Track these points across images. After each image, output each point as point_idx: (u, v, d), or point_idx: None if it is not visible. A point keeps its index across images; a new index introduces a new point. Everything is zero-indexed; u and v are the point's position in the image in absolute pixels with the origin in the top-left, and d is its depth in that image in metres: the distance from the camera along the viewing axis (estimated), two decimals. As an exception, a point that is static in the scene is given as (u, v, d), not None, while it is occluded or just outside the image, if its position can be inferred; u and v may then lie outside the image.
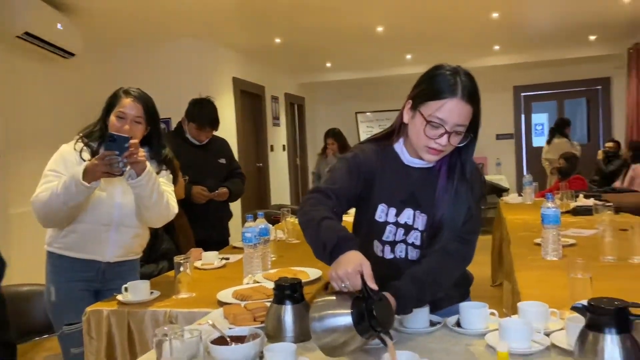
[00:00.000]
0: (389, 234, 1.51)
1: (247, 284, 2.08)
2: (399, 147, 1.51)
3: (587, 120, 8.85)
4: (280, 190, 7.89)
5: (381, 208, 1.50)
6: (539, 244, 2.45)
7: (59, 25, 4.28)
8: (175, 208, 2.19)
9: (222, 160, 3.48)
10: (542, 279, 2.05)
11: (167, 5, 4.51)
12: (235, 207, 4.51)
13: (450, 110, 1.36)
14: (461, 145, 1.41)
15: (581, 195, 4.30)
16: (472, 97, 1.37)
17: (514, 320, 1.36)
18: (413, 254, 1.52)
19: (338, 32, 5.89)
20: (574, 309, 1.14)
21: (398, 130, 1.50)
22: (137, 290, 1.96)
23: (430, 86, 1.39)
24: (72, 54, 4.63)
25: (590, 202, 3.91)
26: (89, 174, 1.91)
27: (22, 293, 2.52)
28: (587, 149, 7.70)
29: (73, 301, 2.10)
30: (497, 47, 7.36)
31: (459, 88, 1.36)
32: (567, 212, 3.62)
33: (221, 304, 1.80)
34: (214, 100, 3.39)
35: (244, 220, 2.28)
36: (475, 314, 1.42)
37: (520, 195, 4.83)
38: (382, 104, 8.72)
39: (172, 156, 2.28)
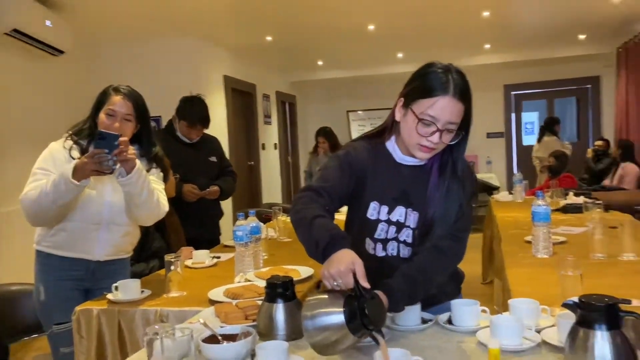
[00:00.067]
0: (380, 231, 1.51)
1: (239, 282, 2.07)
2: (391, 145, 1.51)
3: (576, 118, 8.92)
4: (271, 189, 7.88)
5: (373, 206, 1.50)
6: (529, 242, 2.46)
7: (47, 22, 4.24)
8: (165, 206, 2.18)
9: (213, 159, 3.47)
10: (532, 276, 2.06)
11: (157, 2, 4.48)
12: (227, 205, 4.50)
13: (442, 107, 1.36)
14: (453, 143, 1.41)
15: (571, 193, 4.33)
16: (464, 94, 1.38)
17: (505, 317, 1.36)
18: (405, 252, 1.52)
19: (329, 31, 5.89)
20: (565, 305, 1.15)
21: (390, 128, 1.51)
22: (127, 289, 1.94)
23: (422, 84, 1.39)
24: (62, 52, 4.60)
25: (580, 200, 3.94)
26: (79, 172, 1.89)
27: (11, 292, 2.50)
28: (577, 147, 7.76)
29: (62, 300, 2.08)
30: (487, 46, 7.39)
31: (450, 86, 1.36)
32: (558, 210, 3.65)
33: (212, 302, 1.79)
34: (204, 98, 3.38)
35: (235, 219, 2.27)
36: (466, 311, 1.42)
37: (510, 193, 4.86)
38: (374, 102, 8.73)
39: (162, 154, 2.27)
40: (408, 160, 1.49)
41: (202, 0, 4.50)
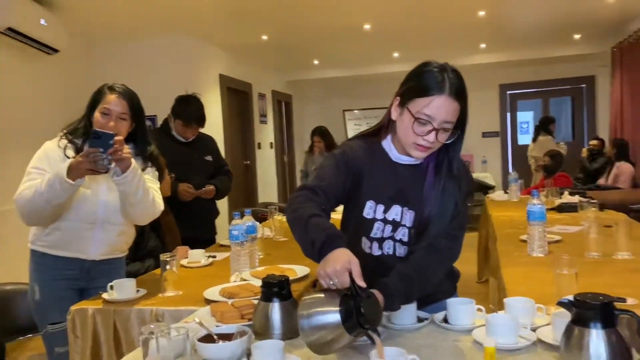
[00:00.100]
0: (377, 230, 1.51)
1: (235, 281, 2.06)
2: (387, 144, 1.52)
3: (571, 118, 8.95)
4: (267, 188, 7.87)
5: (369, 205, 1.50)
6: (524, 241, 2.47)
7: (42, 21, 4.22)
8: (161, 205, 2.17)
9: (209, 158, 3.46)
10: (528, 275, 2.06)
11: (152, 1, 4.46)
12: (222, 205, 4.50)
13: (438, 107, 1.36)
14: (449, 142, 1.42)
15: (566, 193, 4.34)
16: (460, 93, 1.38)
17: (501, 315, 1.37)
18: (401, 251, 1.52)
19: (325, 30, 5.88)
20: (560, 304, 1.15)
21: (386, 127, 1.51)
22: (123, 288, 1.94)
23: (418, 83, 1.39)
24: (57, 50, 4.57)
25: (575, 199, 3.95)
26: (73, 172, 1.88)
27: (6, 292, 2.48)
28: (572, 146, 7.78)
29: (57, 300, 2.08)
30: (483, 46, 7.41)
31: (446, 85, 1.36)
32: (553, 209, 3.66)
33: (208, 301, 1.79)
34: (200, 97, 3.37)
35: (230, 218, 2.27)
36: (462, 310, 1.42)
37: (506, 192, 4.87)
38: (370, 101, 8.74)
39: (157, 153, 2.26)
40: (404, 159, 1.50)
41: (197, -1, 4.50)
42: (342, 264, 1.17)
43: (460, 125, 1.41)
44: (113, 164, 1.92)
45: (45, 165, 2.02)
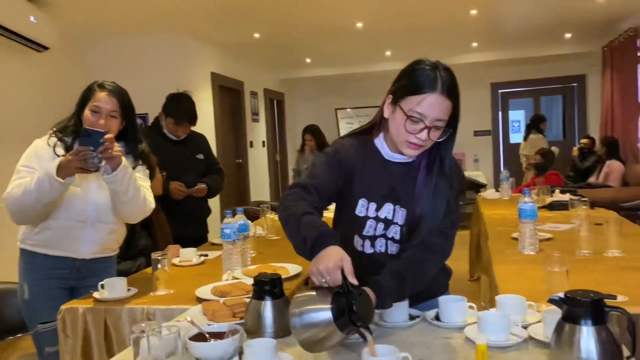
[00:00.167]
0: (369, 228, 1.51)
1: (226, 280, 2.06)
2: (379, 142, 1.51)
3: (562, 117, 9.00)
4: (259, 187, 7.86)
5: (361, 203, 1.50)
6: (516, 239, 2.48)
7: (32, 18, 4.18)
8: (152, 203, 2.16)
9: (200, 156, 3.45)
10: (519, 272, 2.07)
11: (144, -2, 4.44)
12: (214, 203, 4.48)
13: (430, 105, 1.36)
14: (441, 140, 1.42)
15: (557, 191, 4.37)
16: (452, 92, 1.38)
17: (492, 313, 1.37)
18: (393, 249, 1.52)
19: (318, 28, 5.88)
20: (551, 301, 1.16)
21: (378, 125, 1.51)
22: (113, 287, 1.93)
23: (410, 81, 1.39)
24: (46, 48, 4.54)
25: (566, 197, 3.97)
26: (63, 170, 1.87)
27: (-5, 291, 2.46)
28: (563, 145, 7.83)
29: (47, 299, 2.06)
30: (475, 44, 7.43)
31: (438, 83, 1.36)
32: (544, 207, 3.68)
33: (200, 300, 1.78)
34: (191, 95, 3.36)
35: (222, 217, 2.26)
36: (454, 307, 1.43)
37: (497, 190, 4.89)
38: (362, 100, 8.73)
39: (148, 151, 2.25)
40: (396, 157, 1.50)
41: (189, -3, 4.47)
42: (334, 261, 1.17)
43: (452, 123, 1.41)
44: (103, 162, 1.91)
45: (34, 163, 2.00)
